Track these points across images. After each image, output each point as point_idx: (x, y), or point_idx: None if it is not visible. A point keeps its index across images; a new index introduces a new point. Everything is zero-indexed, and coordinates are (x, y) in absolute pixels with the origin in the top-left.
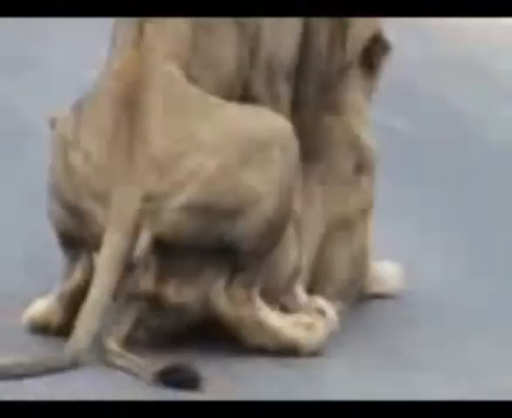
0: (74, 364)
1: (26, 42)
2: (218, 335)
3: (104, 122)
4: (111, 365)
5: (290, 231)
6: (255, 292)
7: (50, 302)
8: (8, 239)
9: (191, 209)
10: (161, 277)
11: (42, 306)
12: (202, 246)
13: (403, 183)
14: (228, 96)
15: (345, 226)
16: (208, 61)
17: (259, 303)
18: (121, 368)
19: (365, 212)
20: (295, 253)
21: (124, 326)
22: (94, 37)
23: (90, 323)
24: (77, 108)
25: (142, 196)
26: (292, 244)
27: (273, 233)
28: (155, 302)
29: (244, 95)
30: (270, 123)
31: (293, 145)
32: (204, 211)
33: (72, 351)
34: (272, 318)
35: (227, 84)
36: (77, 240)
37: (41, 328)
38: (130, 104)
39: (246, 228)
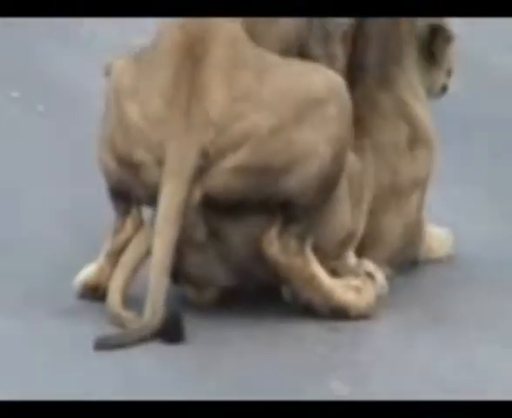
0: (155, 328)
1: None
2: (267, 298)
3: (165, 74)
4: (118, 323)
5: (346, 195)
6: (308, 245)
7: (99, 264)
8: (53, 205)
9: (244, 170)
10: (213, 228)
11: (91, 270)
12: (254, 202)
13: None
14: (286, 55)
15: (397, 195)
16: (269, 20)
17: (312, 257)
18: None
19: (418, 183)
20: (350, 218)
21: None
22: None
23: (161, 280)
24: (136, 57)
25: (198, 151)
26: (347, 208)
27: (327, 187)
28: (205, 254)
29: (301, 55)
30: (326, 79)
31: (348, 102)
32: (257, 171)
33: (151, 315)
34: (324, 276)
35: (286, 42)
36: (128, 193)
37: (92, 291)
38: (192, 57)
39: (300, 185)
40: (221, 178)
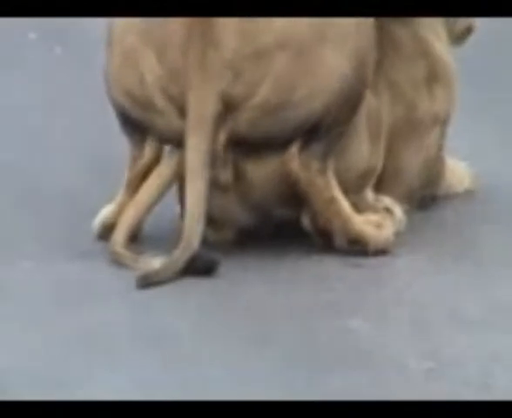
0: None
1: None
2: (286, 237)
3: (178, 24)
4: (120, 264)
5: (365, 130)
6: (330, 167)
7: (117, 200)
8: (69, 145)
9: (266, 106)
10: (237, 168)
11: (110, 209)
12: (279, 135)
13: (479, 83)
14: None
15: (416, 131)
16: None
17: (333, 181)
18: (128, 266)
19: (437, 120)
20: (370, 152)
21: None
22: None
23: (196, 228)
24: None
25: (218, 98)
26: (366, 143)
27: (351, 103)
28: (228, 195)
29: None
30: None
31: (369, 20)
32: (280, 105)
33: (186, 257)
34: (344, 202)
35: None
36: (144, 126)
37: (112, 228)
38: None
39: (323, 107)
40: (245, 119)
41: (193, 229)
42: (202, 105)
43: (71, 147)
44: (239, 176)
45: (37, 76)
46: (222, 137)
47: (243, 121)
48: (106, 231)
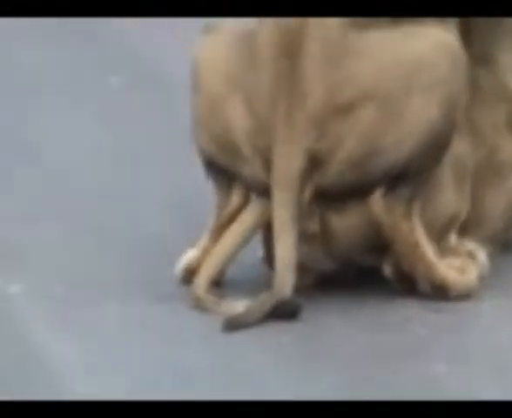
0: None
1: None
2: (367, 282)
3: (266, 73)
4: (202, 308)
5: (451, 176)
6: (415, 210)
7: (202, 245)
8: (152, 189)
9: (353, 159)
10: (323, 219)
11: (193, 254)
12: (366, 184)
13: None
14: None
15: (498, 174)
16: None
17: (418, 225)
18: (211, 310)
19: None
20: (456, 199)
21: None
22: None
23: (287, 277)
24: (233, 39)
25: (304, 155)
26: (452, 190)
27: (439, 150)
28: (322, 244)
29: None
30: (435, 39)
31: (463, 57)
32: (366, 156)
33: (274, 302)
34: (428, 247)
35: None
36: (231, 175)
37: (194, 273)
38: (290, 55)
39: (410, 155)
40: (331, 173)
41: (285, 278)
42: (288, 162)
43: (156, 194)
44: (324, 226)
45: (123, 122)
46: (308, 190)
47: (329, 175)
48: (189, 275)
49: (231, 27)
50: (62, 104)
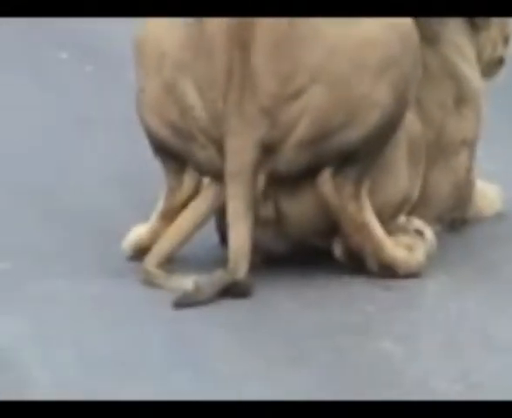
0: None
1: None
2: (317, 260)
3: (217, 63)
4: (151, 283)
5: (405, 157)
6: (364, 191)
7: (151, 225)
8: (99, 163)
9: (304, 143)
10: (276, 204)
11: (142, 231)
12: (316, 167)
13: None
14: None
15: (444, 153)
16: None
17: (367, 205)
18: (160, 286)
19: (466, 142)
20: (409, 180)
21: None
22: None
23: (243, 262)
24: (182, 23)
25: (256, 145)
26: (405, 172)
27: (389, 131)
28: (275, 227)
29: None
30: (383, 20)
31: (414, 35)
32: (317, 139)
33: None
34: (377, 226)
35: None
36: (185, 159)
37: (143, 253)
38: (240, 45)
39: (360, 136)
40: (283, 159)
41: (239, 262)
42: (241, 153)
43: (101, 165)
44: (277, 211)
45: (68, 94)
46: (261, 178)
47: (282, 161)
48: (138, 253)
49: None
50: (15, 78)
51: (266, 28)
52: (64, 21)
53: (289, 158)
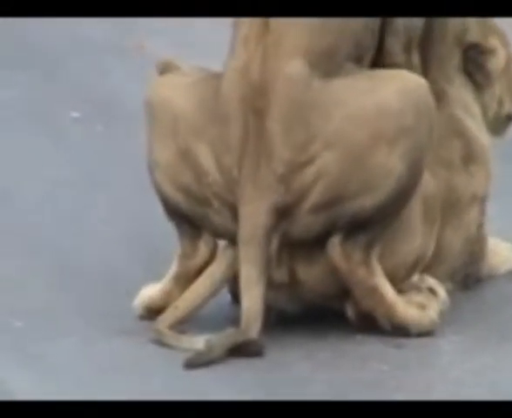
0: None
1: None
2: (330, 319)
3: (233, 128)
4: (162, 343)
5: (419, 218)
6: (373, 256)
7: (164, 287)
8: (110, 222)
9: (318, 208)
10: (290, 267)
11: (155, 293)
12: (329, 232)
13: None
14: (360, 63)
15: (454, 211)
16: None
17: (377, 269)
18: (171, 345)
19: (476, 198)
20: (421, 242)
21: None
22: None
23: (255, 323)
24: (193, 82)
25: (270, 211)
26: (419, 232)
27: (402, 200)
28: (288, 290)
29: (383, 63)
30: (400, 87)
31: (429, 101)
32: (331, 205)
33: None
34: (387, 289)
35: (358, 51)
36: (200, 223)
37: (155, 314)
38: (256, 111)
39: (374, 204)
40: (296, 223)
41: (251, 323)
42: (254, 218)
43: (111, 224)
44: (291, 276)
45: (80, 153)
46: (275, 243)
47: (295, 225)
48: (149, 313)
49: (189, 69)
50: (26, 136)
51: (281, 94)
52: (78, 75)
53: (303, 222)
